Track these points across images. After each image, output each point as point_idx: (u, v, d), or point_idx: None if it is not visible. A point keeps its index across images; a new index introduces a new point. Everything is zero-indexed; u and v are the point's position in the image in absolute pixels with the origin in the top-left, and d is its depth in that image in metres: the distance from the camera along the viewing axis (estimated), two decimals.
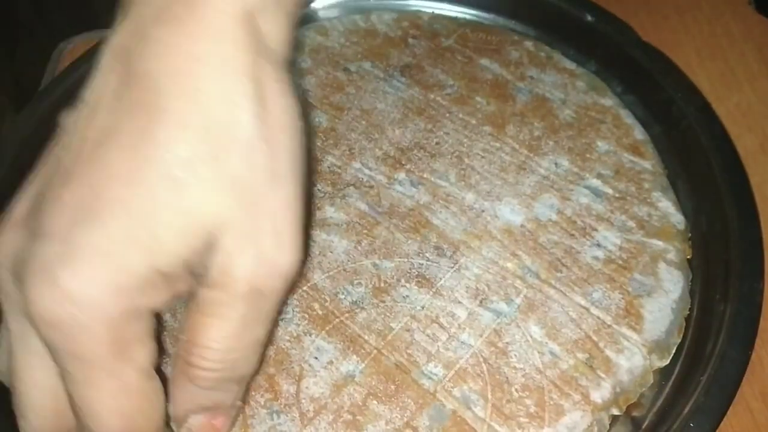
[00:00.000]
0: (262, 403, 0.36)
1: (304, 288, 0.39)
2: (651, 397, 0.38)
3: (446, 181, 0.43)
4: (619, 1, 0.52)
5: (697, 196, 0.43)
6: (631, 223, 0.41)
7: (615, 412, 0.36)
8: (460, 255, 0.40)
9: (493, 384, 0.36)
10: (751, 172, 0.44)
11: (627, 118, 0.46)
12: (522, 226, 0.41)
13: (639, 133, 0.45)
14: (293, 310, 0.38)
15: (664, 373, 0.38)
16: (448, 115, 0.46)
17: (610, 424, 0.36)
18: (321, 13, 0.54)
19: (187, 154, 0.26)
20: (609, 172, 0.43)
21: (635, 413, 0.37)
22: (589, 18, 0.50)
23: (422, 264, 0.40)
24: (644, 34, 0.50)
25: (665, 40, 0.51)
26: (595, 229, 0.41)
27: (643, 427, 0.37)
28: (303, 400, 0.36)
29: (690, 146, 0.45)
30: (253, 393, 0.36)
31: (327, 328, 0.38)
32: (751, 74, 0.51)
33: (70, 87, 0.51)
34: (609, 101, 0.47)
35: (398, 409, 0.35)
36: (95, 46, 0.54)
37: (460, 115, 0.46)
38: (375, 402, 0.36)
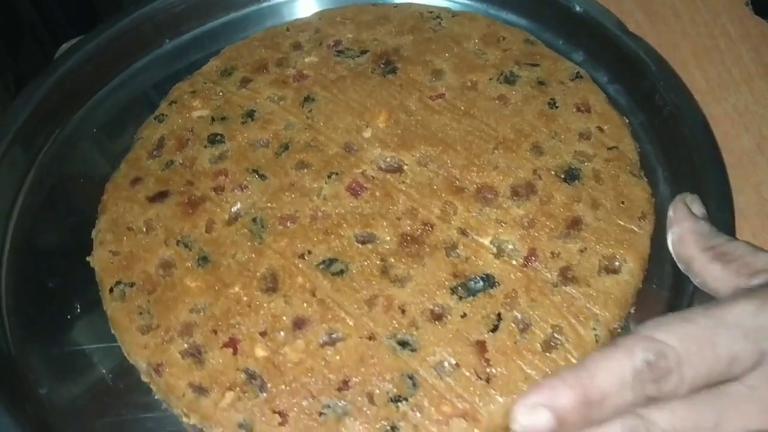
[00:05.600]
0: None
1: None
2: None
3: None
4: (617, 3, 0.51)
5: (677, 182, 0.42)
6: None
7: None
8: None
9: None
10: (749, 172, 0.43)
11: None
12: None
13: None
14: None
15: None
16: None
17: None
18: None
19: None
20: None
21: None
22: (578, 8, 0.49)
23: None
24: (642, 36, 0.48)
25: (663, 42, 0.50)
26: None
27: None
28: None
29: (671, 133, 0.43)
30: None
31: None
32: (748, 75, 0.50)
33: (71, 87, 0.51)
34: None
35: None
36: (95, 46, 0.52)
37: None
38: None
